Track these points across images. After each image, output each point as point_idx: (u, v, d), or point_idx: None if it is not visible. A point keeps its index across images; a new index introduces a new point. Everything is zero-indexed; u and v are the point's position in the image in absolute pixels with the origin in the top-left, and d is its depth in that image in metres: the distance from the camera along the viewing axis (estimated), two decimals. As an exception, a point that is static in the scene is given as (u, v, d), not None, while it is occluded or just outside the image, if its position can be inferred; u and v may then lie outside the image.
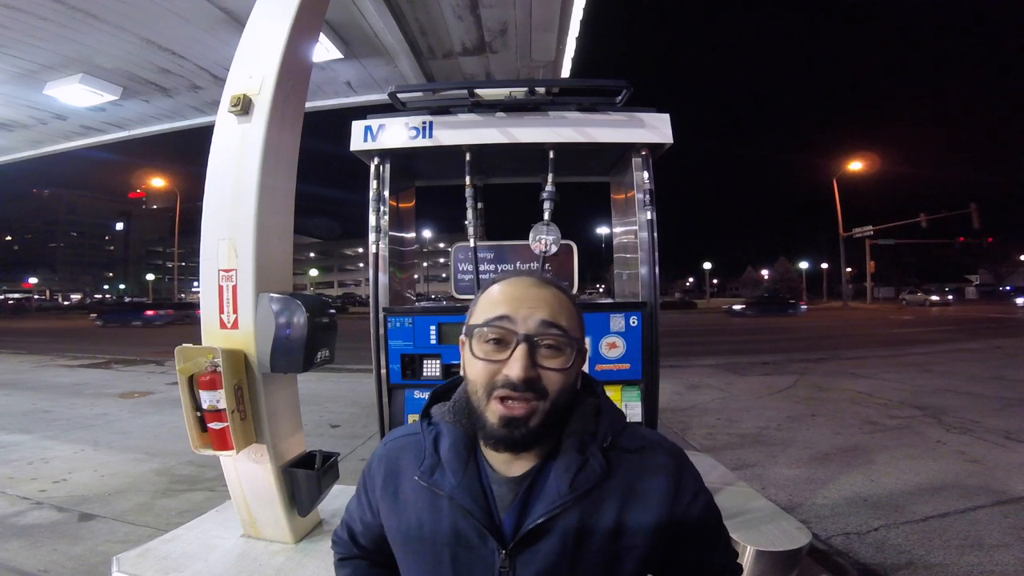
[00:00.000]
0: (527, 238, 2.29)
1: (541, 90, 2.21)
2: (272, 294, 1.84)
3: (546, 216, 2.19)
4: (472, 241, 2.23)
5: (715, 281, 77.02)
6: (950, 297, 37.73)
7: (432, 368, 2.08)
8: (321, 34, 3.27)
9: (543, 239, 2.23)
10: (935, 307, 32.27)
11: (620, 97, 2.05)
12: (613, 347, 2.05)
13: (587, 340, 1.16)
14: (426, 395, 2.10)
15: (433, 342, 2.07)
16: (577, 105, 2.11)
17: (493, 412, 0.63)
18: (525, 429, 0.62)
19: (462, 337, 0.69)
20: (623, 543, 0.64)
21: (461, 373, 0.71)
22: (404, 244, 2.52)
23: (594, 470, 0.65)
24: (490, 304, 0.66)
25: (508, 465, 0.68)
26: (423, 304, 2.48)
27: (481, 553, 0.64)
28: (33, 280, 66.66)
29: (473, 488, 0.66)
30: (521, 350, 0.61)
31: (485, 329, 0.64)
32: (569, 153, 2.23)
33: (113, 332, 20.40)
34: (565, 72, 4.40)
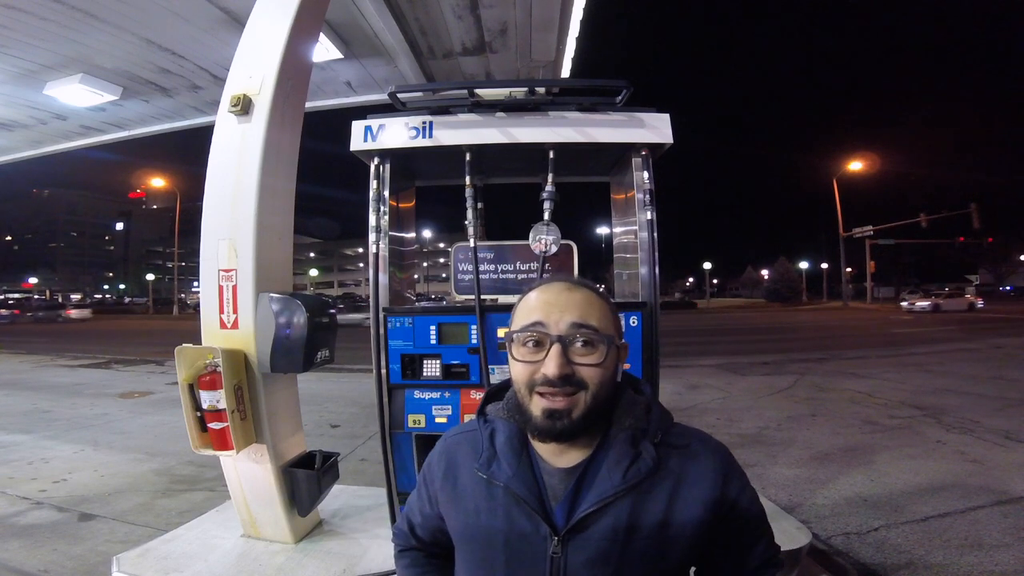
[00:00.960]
0: (527, 238, 2.29)
1: (541, 90, 2.21)
2: (272, 294, 1.84)
3: (546, 216, 2.19)
4: (472, 241, 2.22)
5: (715, 281, 76.97)
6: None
7: (432, 368, 2.07)
8: (321, 34, 3.26)
9: (543, 239, 2.23)
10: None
11: (620, 97, 2.04)
12: (613, 347, 2.05)
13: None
14: (426, 395, 2.11)
15: (433, 342, 2.07)
16: (577, 105, 2.10)
17: (536, 406, 0.68)
18: (568, 420, 0.67)
19: (505, 342, 0.74)
20: (671, 533, 0.68)
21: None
22: (404, 244, 2.52)
23: (646, 463, 0.69)
24: (527, 310, 0.72)
25: (558, 457, 0.72)
26: (423, 304, 2.48)
27: (533, 540, 0.68)
28: (33, 280, 66.59)
29: (526, 478, 0.71)
30: (555, 350, 0.67)
31: (523, 334, 0.70)
32: (569, 153, 2.22)
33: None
34: (565, 72, 4.41)
